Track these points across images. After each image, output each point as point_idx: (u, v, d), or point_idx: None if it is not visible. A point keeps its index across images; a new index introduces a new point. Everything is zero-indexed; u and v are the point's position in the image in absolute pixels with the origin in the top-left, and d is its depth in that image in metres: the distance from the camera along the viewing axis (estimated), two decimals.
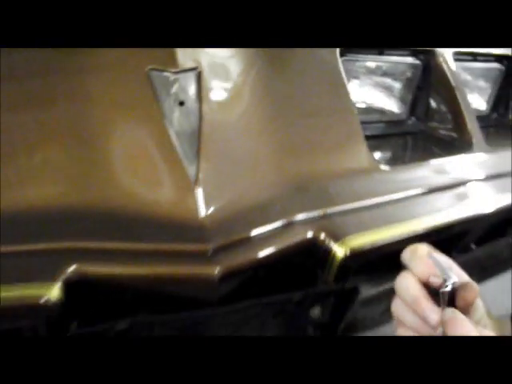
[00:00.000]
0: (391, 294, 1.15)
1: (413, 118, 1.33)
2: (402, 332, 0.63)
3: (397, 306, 0.63)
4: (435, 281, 0.58)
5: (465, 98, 1.29)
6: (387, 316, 1.12)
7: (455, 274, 0.59)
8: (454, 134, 1.25)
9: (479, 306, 0.62)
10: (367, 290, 1.11)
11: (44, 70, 0.77)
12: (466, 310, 0.58)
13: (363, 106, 1.25)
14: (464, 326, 0.55)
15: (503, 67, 1.51)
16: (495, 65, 1.51)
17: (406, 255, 0.62)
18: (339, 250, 0.80)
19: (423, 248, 0.61)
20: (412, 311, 0.61)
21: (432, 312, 0.58)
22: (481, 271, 1.36)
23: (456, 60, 1.31)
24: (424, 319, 0.59)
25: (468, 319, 0.57)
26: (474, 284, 0.59)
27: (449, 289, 0.57)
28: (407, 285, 0.61)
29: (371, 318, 1.11)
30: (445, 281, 0.58)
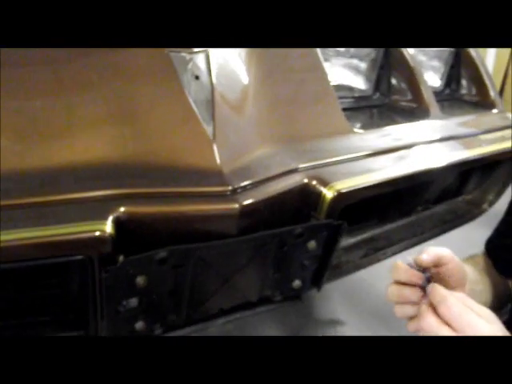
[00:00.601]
0: (367, 241, 1.36)
1: (377, 94, 1.53)
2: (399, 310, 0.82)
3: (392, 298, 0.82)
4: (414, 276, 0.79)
5: (421, 75, 1.49)
6: (365, 261, 1.33)
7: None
8: (413, 105, 1.45)
9: (453, 273, 0.82)
10: (348, 239, 1.32)
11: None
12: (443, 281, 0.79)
13: (335, 83, 1.44)
14: (440, 289, 0.74)
15: (453, 49, 1.72)
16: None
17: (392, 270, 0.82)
18: (328, 193, 1.00)
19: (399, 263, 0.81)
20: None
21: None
22: (443, 224, 1.57)
23: None
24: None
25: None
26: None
27: (426, 275, 0.79)
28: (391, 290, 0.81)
29: (353, 262, 1.31)
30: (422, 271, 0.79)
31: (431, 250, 0.81)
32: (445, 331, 0.72)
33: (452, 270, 0.83)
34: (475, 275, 0.98)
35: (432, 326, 0.73)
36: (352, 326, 2.02)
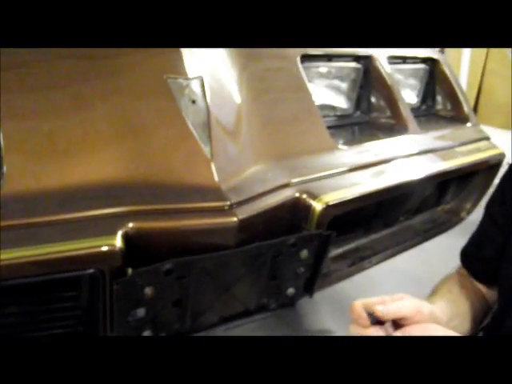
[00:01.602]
0: (353, 251, 1.44)
1: (358, 112, 1.62)
2: None
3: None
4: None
5: (399, 93, 1.59)
6: (352, 269, 1.41)
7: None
8: (392, 121, 1.55)
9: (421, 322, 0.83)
10: (335, 249, 1.40)
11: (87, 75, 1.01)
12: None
13: (319, 103, 1.52)
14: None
15: (428, 67, 1.83)
16: (421, 65, 1.82)
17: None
18: (317, 205, 1.08)
19: (356, 303, 0.83)
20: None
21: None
22: (424, 233, 1.66)
23: (390, 63, 1.61)
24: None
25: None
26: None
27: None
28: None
29: (341, 271, 1.39)
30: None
31: (391, 308, 0.82)
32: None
33: (418, 321, 0.83)
34: (450, 310, 0.99)
35: None
36: (341, 334, 2.08)
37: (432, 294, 1.05)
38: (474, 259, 1.11)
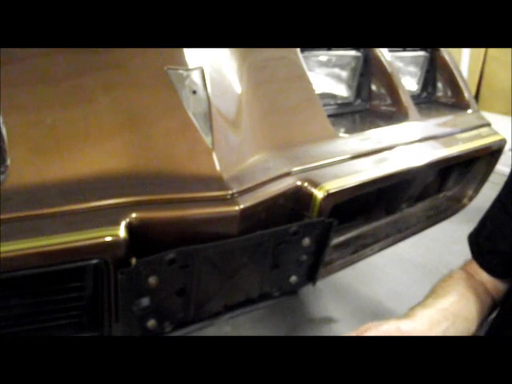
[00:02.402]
0: (355, 239, 1.44)
1: (359, 100, 1.62)
2: None
3: None
4: None
5: (399, 81, 1.59)
6: (355, 257, 1.42)
7: None
8: (393, 109, 1.55)
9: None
10: (338, 237, 1.41)
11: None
12: None
13: (319, 92, 1.53)
14: None
15: (428, 54, 1.83)
16: (421, 53, 1.81)
17: None
18: (319, 193, 1.09)
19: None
20: None
21: None
22: (426, 220, 1.67)
23: (389, 51, 1.61)
24: None
25: None
26: None
27: None
28: None
29: (343, 258, 1.40)
30: None
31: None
32: None
33: None
34: (442, 314, 0.95)
35: None
36: (345, 324, 2.10)
37: (428, 296, 1.02)
38: (487, 253, 1.07)
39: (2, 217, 0.86)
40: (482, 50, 5.16)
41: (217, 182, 0.98)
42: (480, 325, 1.02)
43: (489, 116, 1.82)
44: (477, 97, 5.09)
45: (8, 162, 0.92)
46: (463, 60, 5.04)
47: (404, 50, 1.75)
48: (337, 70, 1.57)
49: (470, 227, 1.16)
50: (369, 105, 1.60)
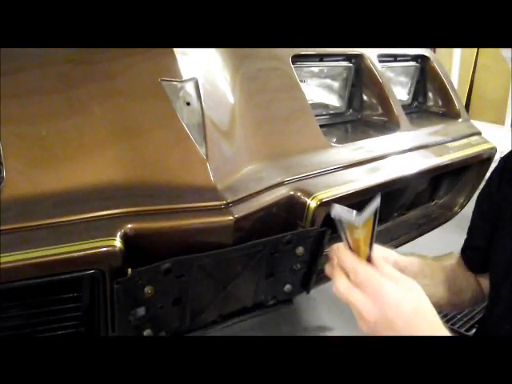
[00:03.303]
0: None
1: (350, 110, 1.65)
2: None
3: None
4: None
5: (390, 91, 1.61)
6: None
7: None
8: (384, 119, 1.57)
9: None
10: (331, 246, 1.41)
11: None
12: None
13: (311, 102, 1.55)
14: (348, 258, 0.80)
15: (418, 64, 1.85)
16: (412, 63, 1.85)
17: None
18: (312, 203, 1.10)
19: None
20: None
21: None
22: (418, 228, 1.68)
23: (380, 61, 1.64)
24: None
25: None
26: None
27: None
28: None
29: None
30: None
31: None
32: (356, 295, 0.76)
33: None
34: (421, 268, 1.06)
35: (343, 290, 0.79)
36: (339, 332, 2.11)
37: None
38: (467, 248, 1.17)
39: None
40: (472, 59, 5.22)
41: (211, 192, 0.99)
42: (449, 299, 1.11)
43: (479, 125, 1.85)
44: (467, 105, 5.14)
45: (3, 173, 0.93)
46: (454, 69, 5.09)
47: (395, 61, 1.77)
48: (328, 81, 1.59)
49: (461, 234, 1.20)
50: (360, 115, 1.62)
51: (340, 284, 0.79)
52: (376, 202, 0.77)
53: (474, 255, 1.15)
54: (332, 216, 0.78)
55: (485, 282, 1.14)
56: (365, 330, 0.78)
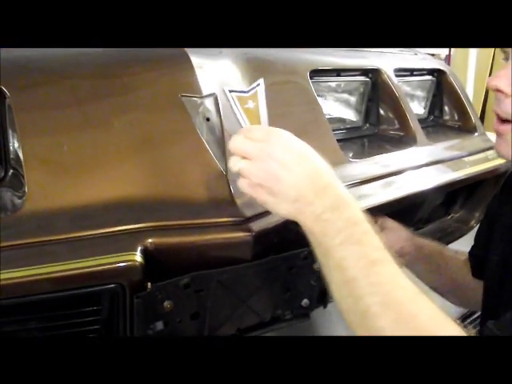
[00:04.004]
0: None
1: (367, 124, 1.65)
2: None
3: None
4: None
5: (407, 105, 1.62)
6: None
7: None
8: (401, 133, 1.57)
9: None
10: None
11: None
12: None
13: (328, 117, 1.55)
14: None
15: (434, 78, 1.86)
16: (428, 77, 1.85)
17: None
18: None
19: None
20: None
21: None
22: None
23: (397, 76, 1.64)
24: None
25: None
26: None
27: None
28: None
29: None
30: None
31: None
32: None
33: None
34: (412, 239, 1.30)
35: (232, 165, 0.85)
36: None
37: None
38: (470, 255, 1.29)
39: (20, 242, 0.89)
40: (487, 71, 5.20)
41: (230, 207, 1.00)
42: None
43: (494, 137, 1.84)
44: (482, 117, 5.11)
45: (26, 187, 0.94)
46: (469, 80, 5.08)
47: (411, 75, 1.77)
48: (345, 95, 1.59)
49: None
50: (377, 129, 1.63)
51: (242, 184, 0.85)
52: (260, 80, 0.93)
53: (474, 262, 1.25)
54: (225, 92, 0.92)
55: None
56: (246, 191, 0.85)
